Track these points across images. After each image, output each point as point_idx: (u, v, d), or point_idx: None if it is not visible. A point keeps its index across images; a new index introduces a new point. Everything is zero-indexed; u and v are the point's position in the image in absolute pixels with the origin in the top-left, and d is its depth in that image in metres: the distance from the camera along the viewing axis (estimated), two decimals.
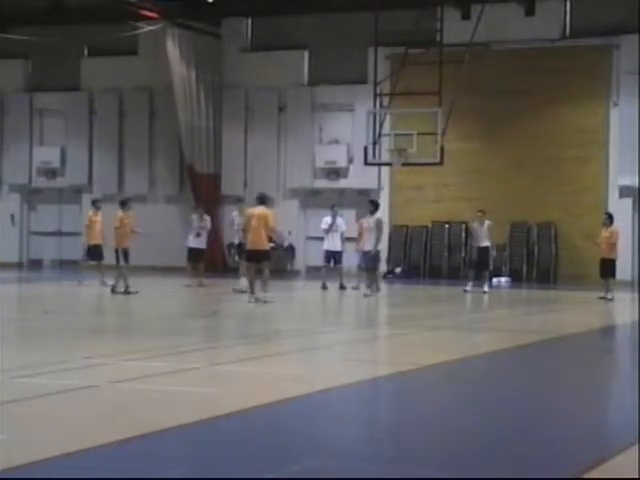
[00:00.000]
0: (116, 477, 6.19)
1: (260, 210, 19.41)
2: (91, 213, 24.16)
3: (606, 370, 11.79)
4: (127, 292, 21.01)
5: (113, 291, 21.21)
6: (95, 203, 24.49)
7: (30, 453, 6.61)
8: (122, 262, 21.16)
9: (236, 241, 22.95)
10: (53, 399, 8.73)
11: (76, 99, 33.62)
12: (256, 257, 19.38)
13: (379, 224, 22.09)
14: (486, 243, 23.49)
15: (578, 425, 8.11)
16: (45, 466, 6.35)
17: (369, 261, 21.74)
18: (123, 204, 21.91)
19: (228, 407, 8.32)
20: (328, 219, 23.79)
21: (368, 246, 21.70)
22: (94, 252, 23.77)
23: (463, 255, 29.25)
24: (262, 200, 19.72)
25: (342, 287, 23.26)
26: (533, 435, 7.59)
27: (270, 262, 19.88)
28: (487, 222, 23.59)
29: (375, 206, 22.61)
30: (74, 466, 6.43)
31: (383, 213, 29.13)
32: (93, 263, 24.08)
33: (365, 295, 21.24)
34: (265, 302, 18.93)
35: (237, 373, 10.54)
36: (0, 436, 7.15)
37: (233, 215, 23.67)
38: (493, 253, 24.10)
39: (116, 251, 21.40)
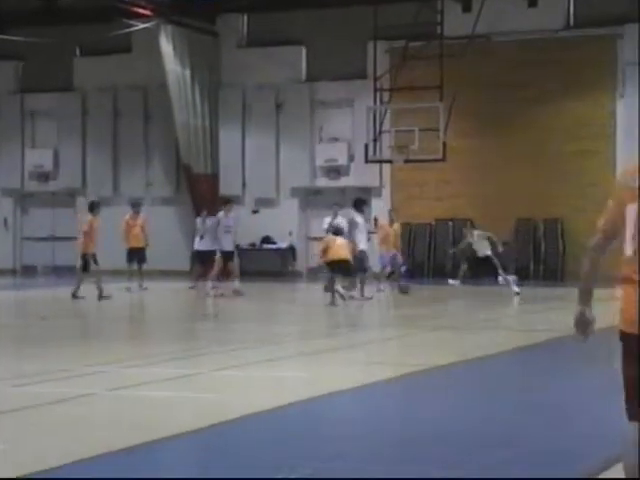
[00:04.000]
0: None
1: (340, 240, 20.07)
2: (127, 217, 24.94)
3: (614, 370, 11.87)
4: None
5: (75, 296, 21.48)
6: (135, 206, 25.31)
7: (27, 463, 6.64)
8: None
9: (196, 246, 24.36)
10: (52, 408, 8.79)
11: (69, 99, 33.70)
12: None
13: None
14: (486, 252, 23.46)
15: (583, 427, 8.20)
16: (42, 477, 6.39)
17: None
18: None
19: (233, 413, 8.38)
20: (329, 219, 23.71)
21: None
22: (135, 255, 24.37)
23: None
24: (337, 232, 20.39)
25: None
26: (541, 436, 7.68)
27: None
28: (476, 232, 23.77)
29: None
30: (72, 477, 6.47)
31: (385, 211, 29.30)
32: (135, 267, 24.39)
33: (354, 298, 21.23)
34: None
35: (241, 378, 10.62)
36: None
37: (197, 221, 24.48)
38: (501, 248, 23.90)
39: None
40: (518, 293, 22.57)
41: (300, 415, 8.54)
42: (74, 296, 21.08)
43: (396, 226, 24.78)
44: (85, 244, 21.52)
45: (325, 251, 20.11)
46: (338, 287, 19.69)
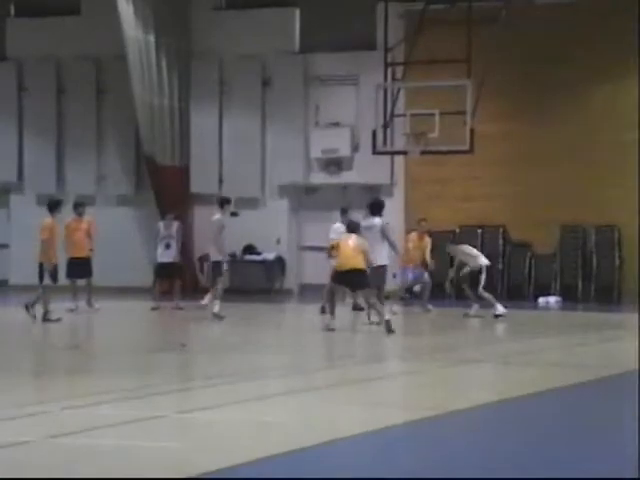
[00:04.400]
0: None
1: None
2: (70, 220, 24.66)
3: None
4: None
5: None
6: (77, 207, 25.01)
7: None
8: None
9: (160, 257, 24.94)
10: None
11: (1, 71, 33.65)
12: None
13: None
14: (483, 262, 23.66)
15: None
16: None
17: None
18: None
19: (202, 467, 8.33)
20: (339, 226, 23.41)
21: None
22: (77, 267, 24.18)
23: (501, 267, 29.30)
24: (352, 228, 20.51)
25: (356, 308, 23.34)
26: None
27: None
28: (460, 248, 24.20)
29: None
30: None
31: (397, 215, 29.26)
32: (79, 283, 24.29)
33: (376, 323, 21.13)
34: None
35: (212, 422, 10.57)
36: None
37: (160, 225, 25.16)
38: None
39: None
40: (498, 316, 22.88)
41: (288, 470, 8.47)
42: (46, 319, 21.08)
43: (427, 240, 24.90)
44: (45, 253, 21.39)
45: (333, 251, 20.10)
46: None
